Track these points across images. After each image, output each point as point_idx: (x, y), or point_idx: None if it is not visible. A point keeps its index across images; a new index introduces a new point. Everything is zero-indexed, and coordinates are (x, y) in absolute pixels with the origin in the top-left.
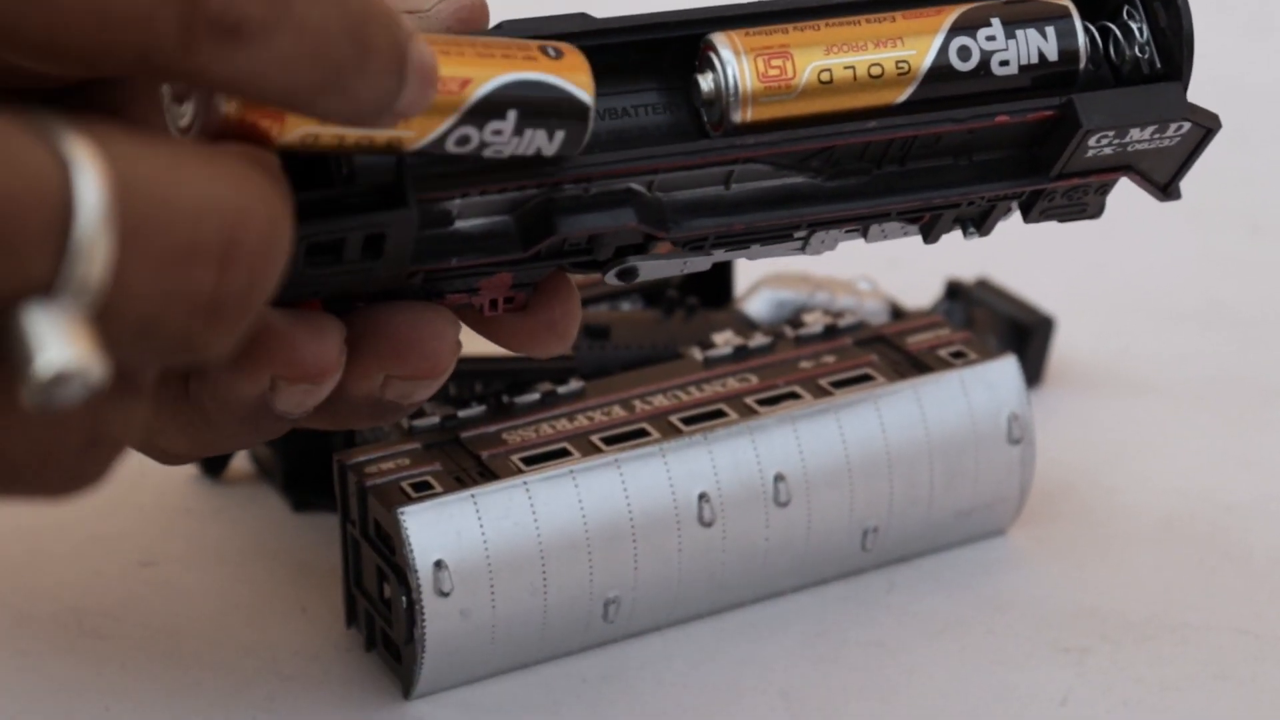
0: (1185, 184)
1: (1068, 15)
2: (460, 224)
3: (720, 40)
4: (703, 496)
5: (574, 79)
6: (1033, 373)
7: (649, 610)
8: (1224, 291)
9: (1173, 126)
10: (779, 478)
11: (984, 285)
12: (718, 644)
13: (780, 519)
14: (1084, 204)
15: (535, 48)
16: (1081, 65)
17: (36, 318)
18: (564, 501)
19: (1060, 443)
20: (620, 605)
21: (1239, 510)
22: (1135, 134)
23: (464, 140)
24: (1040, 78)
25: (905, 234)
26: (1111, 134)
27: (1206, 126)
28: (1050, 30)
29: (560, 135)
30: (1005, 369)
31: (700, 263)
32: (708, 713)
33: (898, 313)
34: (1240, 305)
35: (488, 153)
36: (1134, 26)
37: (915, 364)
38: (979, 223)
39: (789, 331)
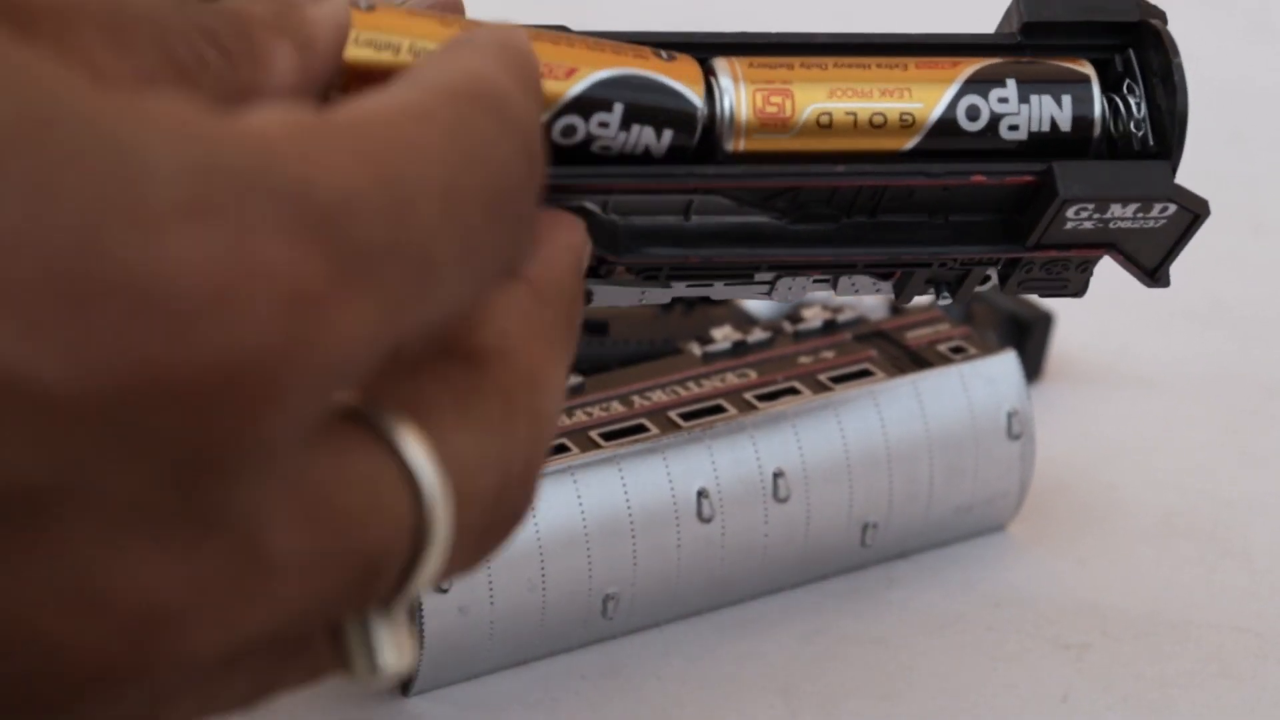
0: (1187, 182)
1: (1086, 82)
2: None
3: (721, 66)
4: (701, 493)
5: (685, 81)
6: (1032, 368)
7: (648, 606)
8: (1225, 290)
9: (1157, 207)
10: (778, 474)
11: None
12: (717, 640)
13: (779, 515)
14: (1064, 280)
15: (649, 50)
16: (1095, 134)
17: (375, 626)
18: (562, 497)
19: (1060, 439)
20: (619, 601)
21: (1240, 507)
22: (1117, 210)
23: (570, 130)
24: (1049, 145)
25: (877, 291)
26: (1091, 207)
27: (1194, 212)
28: (1066, 98)
29: (669, 134)
30: (1005, 364)
31: (660, 295)
32: (706, 709)
33: (896, 308)
34: (1241, 304)
35: (595, 147)
36: (1133, 102)
37: (915, 359)
38: (954, 288)
39: (788, 327)
